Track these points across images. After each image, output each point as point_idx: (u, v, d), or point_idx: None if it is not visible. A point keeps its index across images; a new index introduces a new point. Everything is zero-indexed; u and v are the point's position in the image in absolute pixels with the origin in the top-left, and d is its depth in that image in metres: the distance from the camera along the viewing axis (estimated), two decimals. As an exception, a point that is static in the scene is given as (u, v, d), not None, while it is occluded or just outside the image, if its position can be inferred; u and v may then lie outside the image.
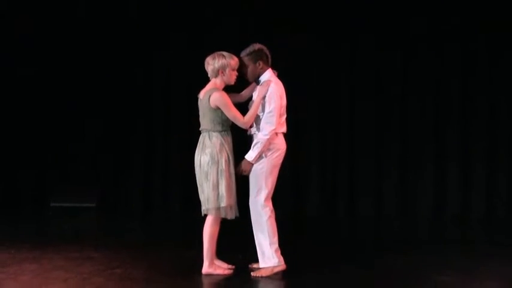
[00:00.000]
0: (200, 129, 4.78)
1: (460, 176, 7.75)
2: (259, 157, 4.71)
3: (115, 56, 8.02)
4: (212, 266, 4.73)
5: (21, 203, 8.10)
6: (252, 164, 4.68)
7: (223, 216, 4.67)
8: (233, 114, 4.60)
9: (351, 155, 7.87)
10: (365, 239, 6.62)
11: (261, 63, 4.78)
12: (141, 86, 8.08)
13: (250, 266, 4.92)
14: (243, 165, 4.69)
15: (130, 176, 8.13)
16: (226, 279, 4.67)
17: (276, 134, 4.74)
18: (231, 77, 4.72)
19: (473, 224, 7.48)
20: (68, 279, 4.56)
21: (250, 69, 4.80)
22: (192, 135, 7.84)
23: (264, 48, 4.83)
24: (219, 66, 4.67)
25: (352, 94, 7.91)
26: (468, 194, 7.74)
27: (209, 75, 4.75)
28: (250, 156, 4.67)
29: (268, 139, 4.66)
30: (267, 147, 4.69)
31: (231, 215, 4.67)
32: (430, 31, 7.76)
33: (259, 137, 4.67)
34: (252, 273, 4.73)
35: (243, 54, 4.81)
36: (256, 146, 4.68)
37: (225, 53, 4.72)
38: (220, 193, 4.61)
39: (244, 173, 4.71)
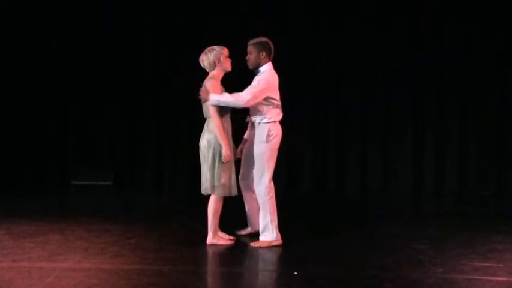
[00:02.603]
0: (204, 116, 4.88)
1: (435, 157, 7.79)
2: (259, 142, 4.77)
3: (132, 44, 7.98)
4: (215, 237, 4.82)
5: (46, 181, 8.17)
6: (208, 96, 4.64)
7: (220, 194, 4.71)
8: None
9: (338, 138, 7.91)
10: (350, 213, 6.64)
11: (264, 53, 4.80)
12: (152, 74, 8.05)
13: (238, 232, 5.05)
14: (202, 92, 4.68)
15: (144, 157, 8.19)
16: (228, 249, 4.77)
17: (274, 121, 4.80)
18: (227, 64, 4.75)
19: (447, 198, 7.56)
20: (88, 248, 4.67)
21: (254, 56, 4.81)
22: (198, 119, 7.99)
23: (270, 42, 4.85)
24: (214, 57, 4.69)
25: (339, 80, 7.91)
26: (442, 172, 7.81)
27: (208, 71, 4.79)
28: (213, 97, 4.65)
29: (234, 102, 4.64)
30: (229, 107, 4.70)
31: (228, 193, 4.72)
32: (412, 25, 7.74)
33: (233, 95, 4.66)
34: (250, 243, 4.83)
35: (250, 42, 4.82)
36: (225, 96, 4.67)
37: (214, 46, 4.75)
38: (216, 173, 4.66)
39: (200, 98, 4.71)
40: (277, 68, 4.92)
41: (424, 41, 7.75)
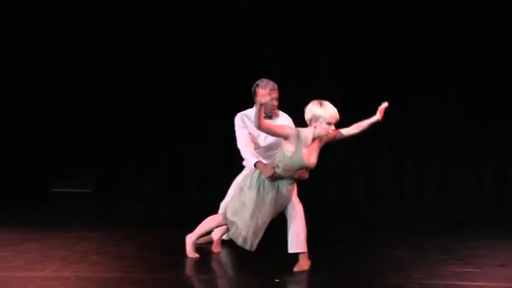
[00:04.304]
0: None
1: (415, 167, 7.84)
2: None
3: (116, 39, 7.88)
4: (191, 240, 4.66)
5: (24, 189, 8.03)
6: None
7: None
8: None
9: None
10: (330, 219, 6.64)
11: None
12: (134, 78, 7.93)
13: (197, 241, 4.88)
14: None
15: (124, 164, 8.12)
16: (208, 256, 4.75)
17: None
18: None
19: (426, 206, 7.59)
20: (66, 256, 4.60)
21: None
22: (179, 126, 7.98)
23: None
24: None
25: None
26: (421, 182, 7.85)
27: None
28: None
29: None
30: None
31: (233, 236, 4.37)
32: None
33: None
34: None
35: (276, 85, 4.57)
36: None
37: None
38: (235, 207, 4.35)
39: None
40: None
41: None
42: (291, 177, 4.31)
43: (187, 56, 7.84)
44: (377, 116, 4.36)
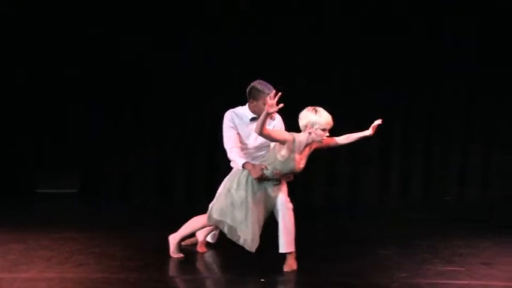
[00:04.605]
0: None
1: (399, 167, 7.84)
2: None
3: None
4: (175, 241, 4.66)
5: (8, 189, 7.90)
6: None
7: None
8: None
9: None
10: (314, 220, 6.60)
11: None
12: (118, 78, 7.80)
13: (183, 242, 4.88)
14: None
15: (110, 164, 8.03)
16: (194, 256, 4.76)
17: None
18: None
19: (412, 205, 7.60)
20: (51, 257, 4.57)
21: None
22: (165, 126, 7.94)
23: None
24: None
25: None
26: (408, 180, 7.88)
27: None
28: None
29: None
30: None
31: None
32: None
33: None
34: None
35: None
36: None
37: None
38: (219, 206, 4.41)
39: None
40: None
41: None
42: (277, 180, 4.35)
43: (176, 51, 7.81)
44: (369, 131, 4.45)
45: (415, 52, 7.64)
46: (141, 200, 7.79)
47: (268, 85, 4.57)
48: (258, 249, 4.37)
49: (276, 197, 4.40)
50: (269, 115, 4.13)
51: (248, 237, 4.29)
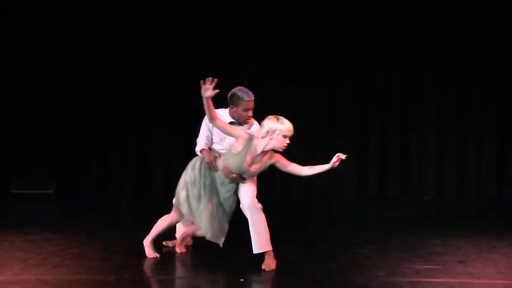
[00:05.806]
0: None
1: (376, 165, 7.91)
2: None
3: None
4: (147, 242, 4.67)
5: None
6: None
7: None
8: None
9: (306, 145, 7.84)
10: (294, 218, 6.65)
11: None
12: (97, 77, 7.79)
13: (165, 243, 4.96)
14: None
15: (87, 164, 7.98)
16: (174, 257, 4.73)
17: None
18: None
19: (391, 203, 7.65)
20: (27, 259, 4.51)
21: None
22: (144, 124, 7.90)
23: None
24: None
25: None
26: (382, 181, 7.93)
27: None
28: None
29: None
30: None
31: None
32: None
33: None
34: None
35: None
36: None
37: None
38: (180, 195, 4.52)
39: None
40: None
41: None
42: (225, 177, 4.44)
43: (156, 50, 7.80)
44: (330, 165, 4.40)
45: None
46: (118, 199, 7.73)
47: (249, 92, 4.58)
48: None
49: (230, 197, 4.47)
50: (207, 99, 4.12)
51: (203, 226, 4.42)
